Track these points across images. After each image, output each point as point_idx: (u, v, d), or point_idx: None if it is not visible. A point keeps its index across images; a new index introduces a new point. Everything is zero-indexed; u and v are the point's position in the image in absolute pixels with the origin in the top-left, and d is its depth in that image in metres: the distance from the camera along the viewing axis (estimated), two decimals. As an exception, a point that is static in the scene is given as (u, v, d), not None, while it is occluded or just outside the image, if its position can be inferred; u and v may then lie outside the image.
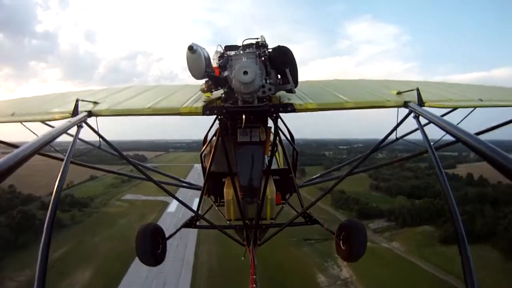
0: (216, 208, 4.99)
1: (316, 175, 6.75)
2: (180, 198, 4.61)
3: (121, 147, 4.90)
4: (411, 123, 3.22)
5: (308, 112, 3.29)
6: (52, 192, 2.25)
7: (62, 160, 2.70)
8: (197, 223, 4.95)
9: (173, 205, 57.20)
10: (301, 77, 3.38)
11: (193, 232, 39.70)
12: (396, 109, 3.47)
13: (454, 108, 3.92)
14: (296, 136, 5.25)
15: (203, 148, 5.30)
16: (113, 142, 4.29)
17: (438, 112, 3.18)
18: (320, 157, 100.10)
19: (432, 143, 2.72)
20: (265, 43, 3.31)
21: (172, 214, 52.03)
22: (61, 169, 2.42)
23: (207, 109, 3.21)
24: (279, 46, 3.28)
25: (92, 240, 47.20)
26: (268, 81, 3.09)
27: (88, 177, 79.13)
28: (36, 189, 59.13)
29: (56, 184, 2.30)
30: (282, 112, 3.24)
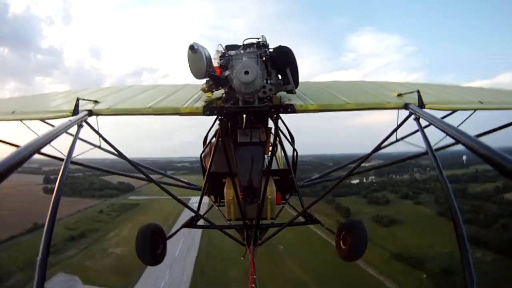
0: (217, 208, 4.99)
1: (316, 176, 6.73)
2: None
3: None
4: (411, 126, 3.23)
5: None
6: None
7: (62, 160, 2.70)
8: (197, 223, 4.95)
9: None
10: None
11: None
12: (396, 110, 3.49)
13: (455, 110, 3.92)
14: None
15: (203, 149, 5.30)
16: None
17: (438, 114, 3.18)
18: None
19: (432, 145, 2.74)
20: (266, 43, 3.29)
21: None
22: (61, 168, 2.43)
23: (207, 109, 3.19)
24: (280, 46, 3.27)
25: None
26: (269, 81, 3.08)
27: (31, 225, 45.52)
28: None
29: (57, 183, 2.30)
30: (282, 112, 3.22)
